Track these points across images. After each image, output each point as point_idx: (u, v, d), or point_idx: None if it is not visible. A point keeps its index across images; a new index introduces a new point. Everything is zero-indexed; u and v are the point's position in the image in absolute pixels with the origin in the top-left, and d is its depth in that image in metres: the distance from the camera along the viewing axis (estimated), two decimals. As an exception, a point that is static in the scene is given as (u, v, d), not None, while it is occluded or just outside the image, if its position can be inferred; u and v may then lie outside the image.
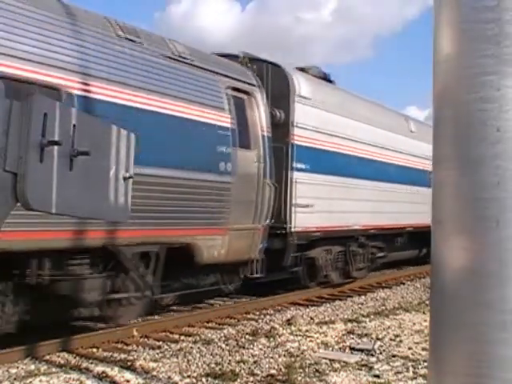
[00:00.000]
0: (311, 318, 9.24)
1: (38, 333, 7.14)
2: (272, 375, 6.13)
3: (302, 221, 10.79)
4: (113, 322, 7.96)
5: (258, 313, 9.82)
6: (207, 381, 5.92)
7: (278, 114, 10.68)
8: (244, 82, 9.86)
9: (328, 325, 8.72)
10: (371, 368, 6.44)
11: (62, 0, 7.47)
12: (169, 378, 6.00)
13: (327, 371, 6.28)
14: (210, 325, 8.88)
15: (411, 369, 6.38)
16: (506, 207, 2.56)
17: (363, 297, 11.76)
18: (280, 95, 10.73)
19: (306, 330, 8.30)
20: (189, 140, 8.40)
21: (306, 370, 6.29)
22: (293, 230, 10.64)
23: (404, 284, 14.14)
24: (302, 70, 12.18)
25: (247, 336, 7.95)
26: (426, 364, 5.89)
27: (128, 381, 5.87)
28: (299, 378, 5.98)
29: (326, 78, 13.14)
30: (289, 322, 8.76)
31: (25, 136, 2.46)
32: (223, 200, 8.97)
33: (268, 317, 9.37)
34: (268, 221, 9.96)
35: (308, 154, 11.10)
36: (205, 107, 8.73)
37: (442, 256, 2.77)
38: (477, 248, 2.61)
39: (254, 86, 10.05)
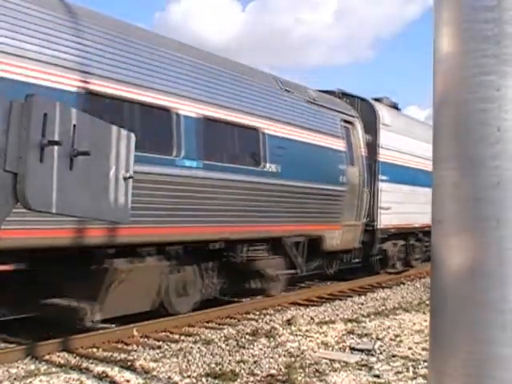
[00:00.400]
0: (311, 318, 9.23)
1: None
2: (272, 375, 6.13)
3: (384, 220, 14.20)
4: (265, 294, 10.85)
5: (258, 313, 9.82)
6: (207, 381, 5.91)
7: (367, 137, 13.74)
8: (349, 115, 13.11)
9: (328, 325, 8.71)
10: (371, 368, 6.43)
11: (245, 64, 10.77)
12: (169, 377, 6.00)
13: (327, 371, 6.28)
14: (210, 325, 8.88)
15: (411, 369, 6.37)
16: (505, 207, 2.56)
17: (363, 297, 11.75)
18: (368, 123, 13.86)
19: (306, 330, 8.29)
20: (322, 161, 11.67)
21: (306, 370, 6.29)
22: (378, 226, 14.06)
23: (404, 284, 14.14)
24: (377, 100, 15.26)
25: (247, 336, 7.94)
26: (426, 364, 5.89)
27: (128, 381, 5.87)
28: (299, 378, 5.98)
29: (395, 107, 16.50)
30: (289, 322, 8.76)
31: (25, 136, 2.46)
32: (340, 204, 12.28)
33: (268, 317, 9.37)
34: (364, 219, 13.27)
35: (388, 168, 14.50)
36: (330, 136, 12.05)
37: (441, 256, 2.77)
38: (477, 248, 2.61)
39: (354, 117, 13.30)
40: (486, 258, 2.58)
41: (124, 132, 3.10)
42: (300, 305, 10.69)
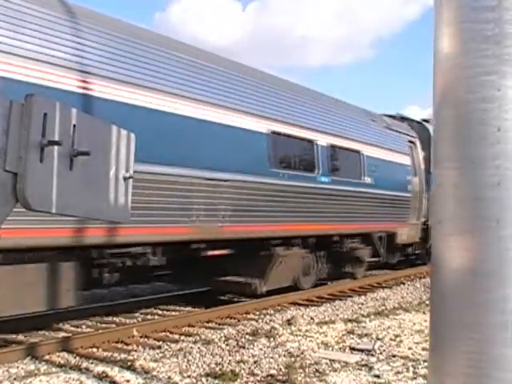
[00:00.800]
0: (311, 318, 9.23)
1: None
2: (272, 375, 6.12)
3: None
4: (351, 277, 13.95)
5: (258, 313, 9.82)
6: (207, 381, 5.91)
7: (423, 153, 17.01)
8: (412, 136, 16.70)
9: (328, 325, 8.71)
10: (371, 368, 6.43)
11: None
12: (169, 377, 6.00)
13: (327, 371, 6.28)
14: (209, 325, 8.88)
15: (411, 369, 6.37)
16: (505, 207, 2.56)
17: (363, 297, 11.75)
18: (423, 141, 16.97)
19: (306, 330, 8.29)
20: (397, 173, 15.16)
21: (306, 370, 6.29)
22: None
23: (404, 284, 14.14)
24: (425, 121, 18.42)
25: (247, 336, 7.94)
26: (426, 364, 5.89)
27: (128, 381, 5.87)
28: (299, 378, 5.98)
29: None
30: (289, 322, 8.75)
31: (25, 136, 2.46)
32: (407, 207, 15.66)
33: (268, 317, 9.36)
34: (423, 219, 16.62)
35: None
36: (401, 154, 15.55)
37: (442, 256, 2.77)
38: (477, 248, 2.61)
39: (415, 137, 16.82)
40: (486, 259, 2.58)
41: (124, 132, 3.10)
42: (300, 305, 10.69)
